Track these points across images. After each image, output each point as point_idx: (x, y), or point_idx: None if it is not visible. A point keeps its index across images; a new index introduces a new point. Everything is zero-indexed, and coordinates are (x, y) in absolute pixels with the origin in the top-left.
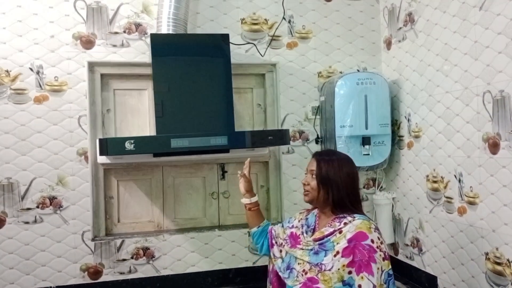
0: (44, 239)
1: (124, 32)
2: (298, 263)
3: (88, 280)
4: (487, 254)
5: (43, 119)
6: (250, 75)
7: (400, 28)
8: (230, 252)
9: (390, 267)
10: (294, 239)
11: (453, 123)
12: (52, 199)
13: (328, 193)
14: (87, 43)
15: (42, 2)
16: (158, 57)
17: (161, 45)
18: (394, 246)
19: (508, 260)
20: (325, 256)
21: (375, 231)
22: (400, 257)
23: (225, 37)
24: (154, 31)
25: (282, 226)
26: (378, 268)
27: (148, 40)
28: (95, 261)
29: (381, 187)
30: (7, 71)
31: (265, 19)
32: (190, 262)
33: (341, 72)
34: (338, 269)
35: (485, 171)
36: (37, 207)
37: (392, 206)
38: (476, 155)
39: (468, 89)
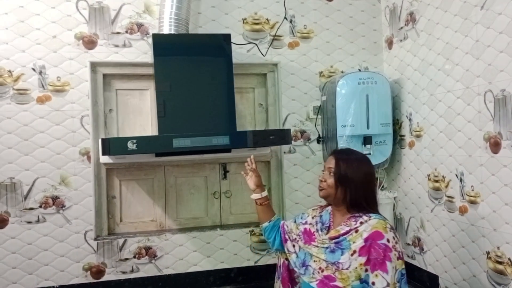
0: (46, 238)
1: (126, 32)
2: (314, 261)
3: (90, 280)
4: (488, 253)
5: (45, 119)
6: (251, 75)
7: (402, 27)
8: (232, 251)
9: (403, 266)
10: (308, 236)
11: (454, 122)
12: (54, 198)
13: (345, 192)
14: (89, 43)
15: (44, 2)
16: (160, 57)
17: (163, 45)
18: None
19: (509, 259)
20: (341, 254)
21: (390, 231)
22: None
23: (226, 37)
24: (156, 31)
25: (295, 221)
26: (392, 267)
27: (150, 40)
28: (98, 260)
29: (383, 187)
30: (9, 71)
31: (267, 19)
32: (192, 262)
33: (342, 72)
34: (356, 268)
35: (487, 170)
36: (40, 206)
37: (394, 205)
38: (477, 154)
39: (470, 88)
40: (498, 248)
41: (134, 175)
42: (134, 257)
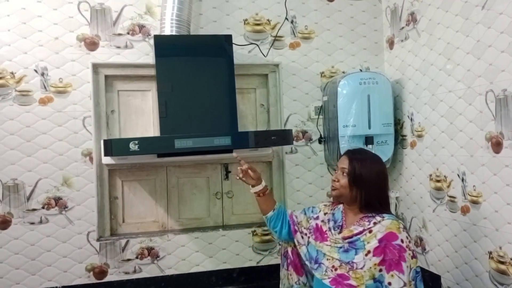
0: (49, 239)
1: (128, 33)
2: (327, 259)
3: (93, 280)
4: (490, 253)
5: (48, 120)
6: (253, 76)
7: (403, 27)
8: (234, 251)
9: (418, 264)
10: (320, 234)
11: (456, 122)
12: (57, 199)
13: (359, 192)
14: (91, 44)
15: (46, 4)
16: (162, 58)
17: (164, 46)
18: None
19: (511, 259)
20: (355, 254)
21: (403, 231)
22: None
23: (228, 38)
24: (157, 33)
25: (305, 213)
26: (407, 266)
27: (152, 41)
28: (100, 261)
29: None
30: (12, 73)
31: (268, 20)
32: (195, 262)
33: (343, 72)
34: (370, 267)
35: (488, 170)
36: (43, 207)
37: (396, 205)
38: (479, 154)
39: (471, 88)
40: (500, 248)
41: (136, 176)
42: (137, 257)
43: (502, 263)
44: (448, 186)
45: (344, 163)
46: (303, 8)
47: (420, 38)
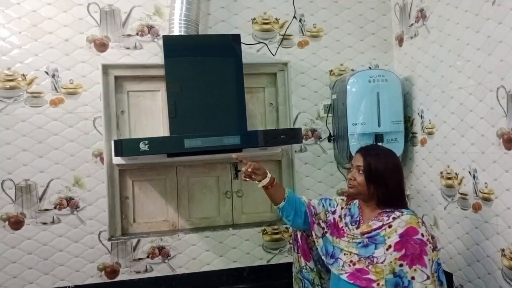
0: (61, 239)
1: (137, 34)
2: (344, 254)
3: (105, 280)
4: (503, 250)
5: (59, 121)
6: (261, 75)
7: (412, 24)
8: (244, 250)
9: (438, 256)
10: (336, 230)
11: (466, 119)
12: (69, 200)
13: (376, 189)
14: (101, 46)
15: (56, 7)
16: (171, 58)
17: (173, 46)
18: None
19: None
20: (375, 249)
21: (422, 225)
22: None
23: (236, 37)
24: (166, 33)
25: (323, 205)
26: (429, 259)
27: (161, 41)
28: (112, 260)
29: None
30: (23, 75)
31: (276, 19)
32: (205, 261)
33: (352, 70)
34: (390, 262)
35: (500, 167)
36: (55, 208)
37: (406, 203)
38: (490, 151)
39: (482, 84)
40: None
41: (146, 176)
42: (148, 257)
43: None
44: (460, 184)
45: (358, 160)
46: (311, 7)
47: (430, 35)
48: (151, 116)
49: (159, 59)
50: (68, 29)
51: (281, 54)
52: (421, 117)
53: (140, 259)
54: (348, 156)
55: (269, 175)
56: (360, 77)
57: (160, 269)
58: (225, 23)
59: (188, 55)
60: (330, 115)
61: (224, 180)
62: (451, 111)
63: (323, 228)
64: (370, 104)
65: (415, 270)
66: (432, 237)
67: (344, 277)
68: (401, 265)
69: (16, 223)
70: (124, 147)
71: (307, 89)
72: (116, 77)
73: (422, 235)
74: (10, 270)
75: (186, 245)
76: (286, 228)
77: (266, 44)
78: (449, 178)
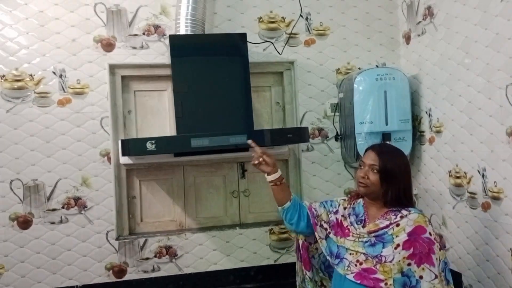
0: (69, 238)
1: (143, 34)
2: (350, 253)
3: (113, 279)
4: None
5: (66, 121)
6: (268, 74)
7: (419, 22)
8: (252, 250)
9: (445, 255)
10: (341, 229)
11: (475, 117)
12: (76, 199)
13: (389, 188)
14: (108, 46)
15: (63, 7)
16: (177, 57)
17: (179, 46)
18: None
19: None
20: (383, 248)
21: (429, 224)
22: None
23: (242, 36)
24: (172, 32)
25: (324, 207)
26: (436, 259)
27: (167, 41)
28: (120, 260)
29: None
30: (31, 75)
31: (282, 17)
32: (212, 260)
33: (359, 68)
34: (399, 261)
35: (510, 166)
36: (63, 207)
37: (414, 202)
38: (499, 149)
39: (491, 82)
40: None
41: (153, 175)
42: (155, 256)
43: None
44: (468, 182)
45: (372, 159)
46: (317, 5)
47: (437, 32)
48: (157, 116)
49: (166, 58)
50: (75, 29)
51: (288, 53)
52: (429, 115)
53: (147, 258)
54: (356, 155)
55: (279, 171)
56: (367, 75)
57: (168, 269)
58: (231, 22)
59: (195, 55)
60: (337, 114)
61: (231, 179)
62: (460, 109)
63: (326, 229)
64: (377, 103)
65: (423, 269)
66: (441, 237)
67: (350, 277)
68: (409, 264)
69: (24, 223)
70: (131, 146)
71: (314, 88)
72: (123, 77)
73: (430, 234)
74: (19, 270)
75: (193, 244)
76: None
77: (272, 43)
78: (458, 177)
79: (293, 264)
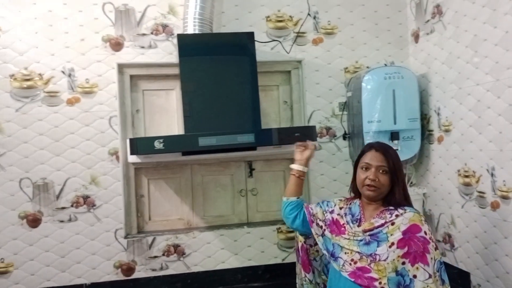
0: (78, 237)
1: (152, 33)
2: (345, 252)
3: (121, 277)
4: None
5: (75, 120)
6: (275, 73)
7: (428, 20)
8: (259, 249)
9: (440, 256)
10: (337, 227)
11: (484, 116)
12: (85, 198)
13: (395, 188)
14: (116, 45)
15: (71, 7)
16: (185, 57)
17: (187, 45)
18: None
19: None
20: (378, 246)
21: (425, 223)
22: None
23: (250, 35)
24: (180, 32)
25: (320, 207)
26: (431, 258)
27: (175, 40)
28: (128, 258)
29: (411, 183)
30: (40, 74)
31: (290, 16)
32: (220, 259)
33: (368, 67)
34: (393, 259)
35: None
36: (72, 206)
37: (423, 201)
38: (509, 148)
39: (500, 80)
40: None
41: (161, 174)
42: (163, 254)
43: None
44: (477, 182)
45: (380, 160)
46: (325, 4)
47: (446, 31)
48: (165, 115)
49: (174, 57)
50: (83, 28)
51: (295, 51)
52: (438, 114)
53: (155, 256)
54: None
55: (306, 169)
56: (375, 74)
57: (176, 267)
58: (239, 21)
59: (203, 54)
60: (345, 112)
61: (239, 178)
62: (468, 108)
63: (321, 227)
64: (385, 102)
65: (417, 268)
66: (449, 236)
67: (345, 275)
68: (403, 263)
69: (34, 221)
70: (139, 145)
71: (322, 86)
72: (131, 76)
73: (425, 233)
74: (28, 268)
75: (201, 243)
76: None
77: (280, 42)
78: (467, 176)
79: None
